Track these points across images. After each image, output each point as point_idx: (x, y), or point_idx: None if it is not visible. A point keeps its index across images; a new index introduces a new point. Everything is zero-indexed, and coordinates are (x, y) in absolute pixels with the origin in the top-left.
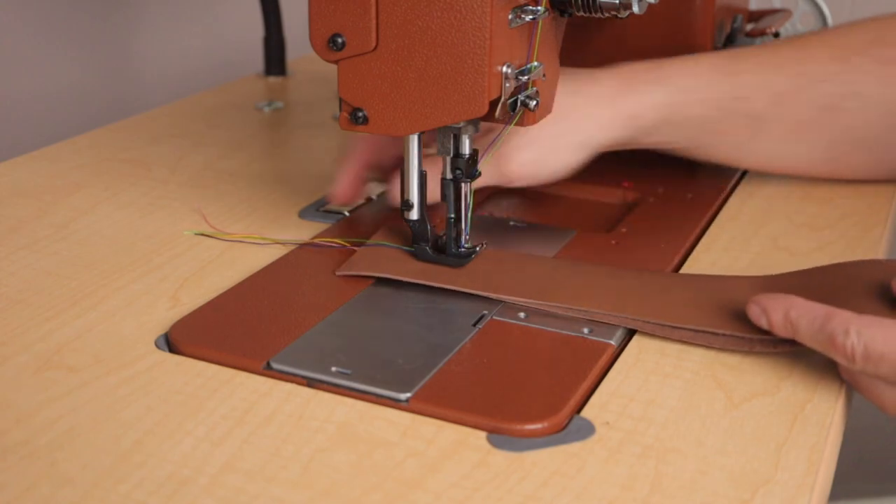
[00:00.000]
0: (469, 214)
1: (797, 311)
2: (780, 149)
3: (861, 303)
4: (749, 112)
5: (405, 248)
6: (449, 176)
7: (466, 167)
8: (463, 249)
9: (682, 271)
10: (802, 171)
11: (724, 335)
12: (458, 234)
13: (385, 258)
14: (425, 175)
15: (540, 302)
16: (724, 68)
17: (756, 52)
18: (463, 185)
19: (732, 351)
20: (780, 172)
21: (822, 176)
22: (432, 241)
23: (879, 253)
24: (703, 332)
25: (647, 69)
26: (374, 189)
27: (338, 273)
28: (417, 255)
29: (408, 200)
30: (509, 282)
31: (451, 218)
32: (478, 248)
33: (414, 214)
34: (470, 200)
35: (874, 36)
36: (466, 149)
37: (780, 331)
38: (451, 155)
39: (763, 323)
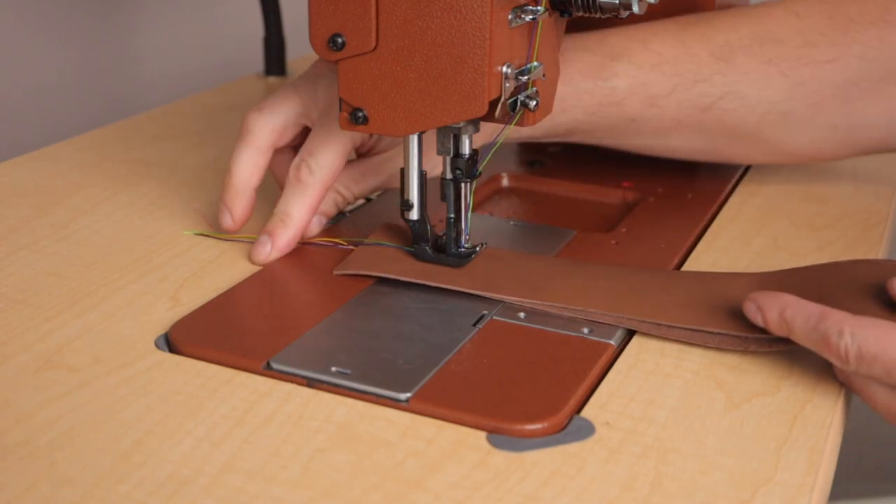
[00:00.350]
0: (468, 214)
1: (792, 311)
2: (656, 142)
3: (857, 303)
4: (623, 115)
5: (404, 247)
6: (449, 176)
7: (466, 167)
8: (463, 249)
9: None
10: (681, 157)
11: (719, 334)
12: (458, 234)
13: (383, 257)
14: (425, 175)
15: (538, 302)
16: (597, 72)
17: (634, 49)
18: (463, 184)
19: (730, 350)
20: (657, 156)
21: (699, 161)
22: (432, 241)
23: (879, 253)
24: (700, 331)
25: None
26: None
27: (335, 272)
28: (417, 255)
29: (408, 200)
30: (508, 282)
31: (451, 218)
32: (478, 248)
33: (414, 214)
34: (470, 200)
35: (758, 29)
36: (466, 149)
37: (776, 329)
38: (451, 155)
39: (759, 320)
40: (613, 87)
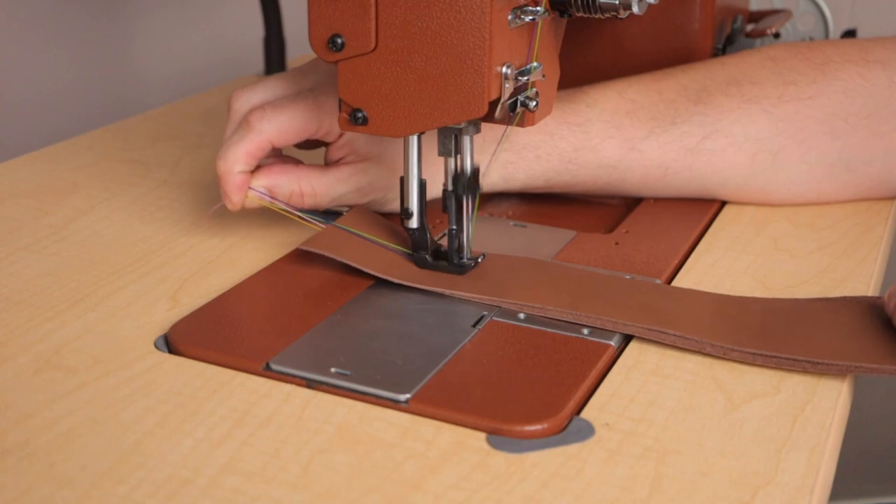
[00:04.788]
0: (471, 226)
1: None
2: (649, 194)
3: (803, 341)
4: (601, 161)
5: (373, 238)
6: (450, 187)
7: (469, 184)
8: (464, 262)
9: (682, 272)
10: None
11: (711, 344)
12: (460, 246)
13: (352, 244)
14: (425, 183)
15: (518, 303)
16: (571, 118)
17: (609, 97)
18: (465, 198)
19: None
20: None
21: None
22: (432, 249)
23: (879, 254)
24: (691, 339)
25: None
26: None
27: (300, 247)
28: (417, 263)
29: (407, 209)
30: (479, 283)
31: (453, 230)
32: (479, 260)
33: (414, 223)
34: (473, 213)
35: (734, 73)
36: (468, 154)
37: None
38: (453, 170)
39: (891, 305)
40: (588, 132)
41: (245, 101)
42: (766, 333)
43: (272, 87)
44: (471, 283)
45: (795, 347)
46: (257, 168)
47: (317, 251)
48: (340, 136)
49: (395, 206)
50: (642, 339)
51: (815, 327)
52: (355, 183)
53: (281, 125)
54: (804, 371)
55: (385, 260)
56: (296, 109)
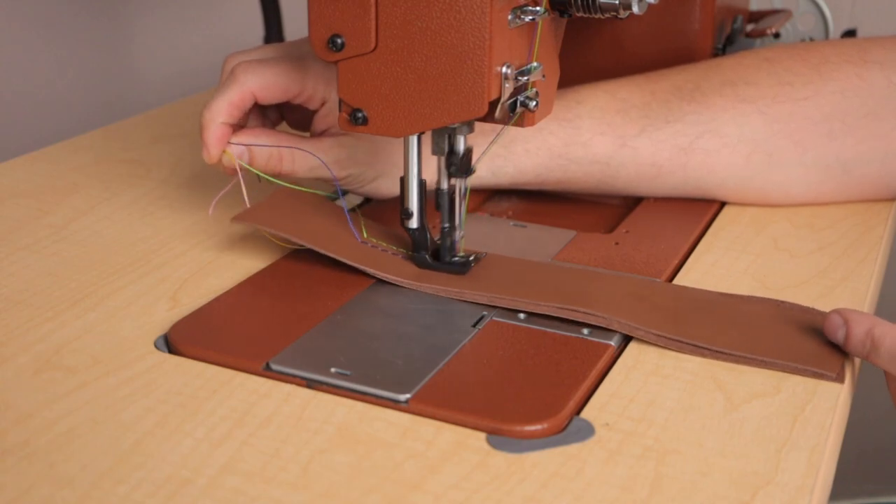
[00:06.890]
0: (463, 212)
1: (881, 329)
2: (637, 189)
3: (712, 331)
4: (592, 157)
5: (327, 194)
6: (444, 174)
7: (461, 164)
8: (457, 259)
9: (682, 272)
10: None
11: (619, 322)
12: (453, 244)
13: (294, 214)
14: (425, 183)
15: (498, 296)
16: (561, 113)
17: (599, 95)
18: (457, 182)
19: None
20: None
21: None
22: (432, 249)
23: (878, 254)
24: (599, 316)
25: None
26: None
27: (231, 220)
28: (418, 263)
29: (407, 209)
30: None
31: (446, 227)
32: (471, 259)
33: (414, 223)
34: (465, 197)
35: (729, 75)
36: (461, 146)
37: (857, 346)
38: (446, 153)
39: (839, 335)
40: (578, 127)
41: (237, 60)
42: (676, 319)
43: (265, 50)
44: (440, 277)
45: (699, 334)
46: (241, 128)
47: (249, 223)
48: (323, 104)
49: (373, 186)
50: (642, 340)
51: (720, 316)
52: (334, 155)
53: (265, 80)
54: (703, 356)
55: (327, 236)
56: (281, 67)
